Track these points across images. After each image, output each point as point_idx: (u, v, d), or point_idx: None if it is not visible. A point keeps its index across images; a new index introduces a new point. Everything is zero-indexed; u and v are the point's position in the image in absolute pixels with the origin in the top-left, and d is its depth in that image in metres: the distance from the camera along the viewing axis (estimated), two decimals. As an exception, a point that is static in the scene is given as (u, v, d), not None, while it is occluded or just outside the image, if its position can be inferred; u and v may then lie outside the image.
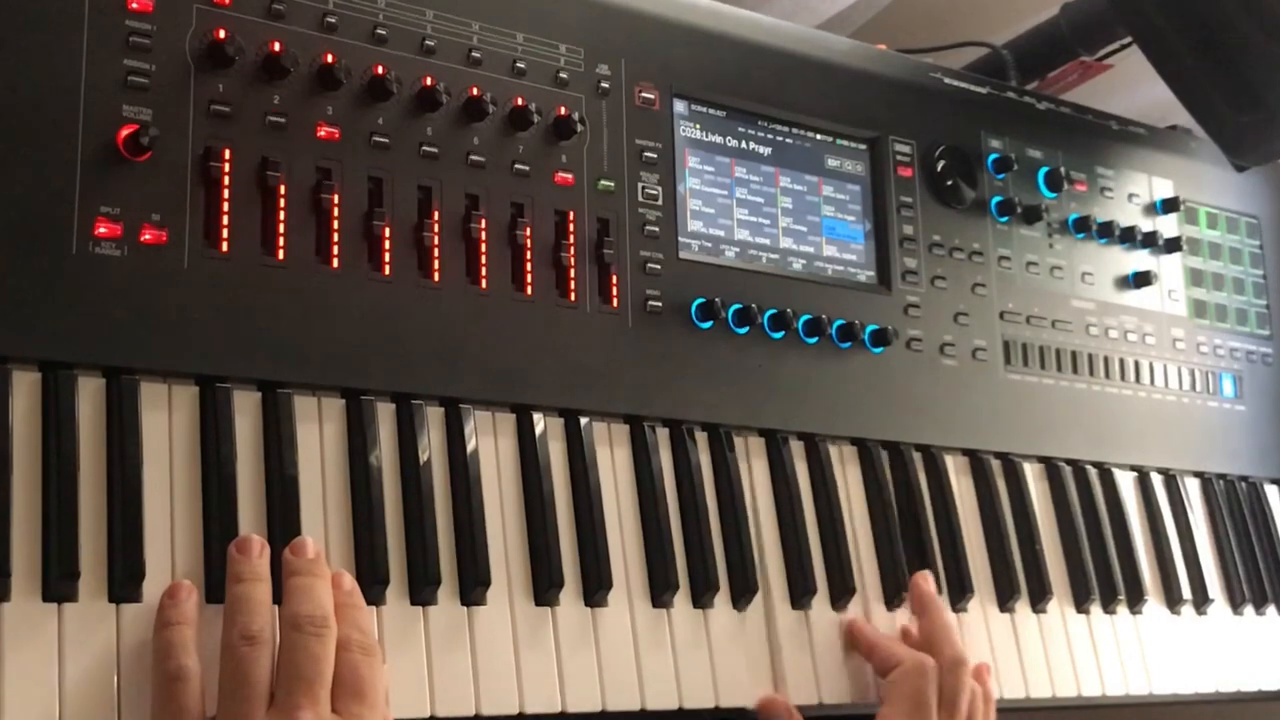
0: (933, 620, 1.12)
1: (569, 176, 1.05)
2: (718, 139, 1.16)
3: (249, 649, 0.79)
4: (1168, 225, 1.45)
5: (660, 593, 1.02)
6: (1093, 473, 1.32)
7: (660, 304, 1.08)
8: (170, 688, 0.78)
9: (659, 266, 1.09)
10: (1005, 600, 1.21)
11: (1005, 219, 1.32)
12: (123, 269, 0.85)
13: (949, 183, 1.28)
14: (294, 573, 0.84)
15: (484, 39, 1.03)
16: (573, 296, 1.04)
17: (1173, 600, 1.33)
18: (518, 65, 1.04)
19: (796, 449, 1.14)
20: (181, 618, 0.80)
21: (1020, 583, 1.22)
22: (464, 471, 0.96)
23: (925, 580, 1.15)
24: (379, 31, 0.98)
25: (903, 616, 1.14)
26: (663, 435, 1.07)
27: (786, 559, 1.10)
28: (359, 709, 0.80)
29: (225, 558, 0.83)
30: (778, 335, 1.13)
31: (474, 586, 0.93)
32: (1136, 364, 1.38)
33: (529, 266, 1.02)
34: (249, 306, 0.89)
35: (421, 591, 0.91)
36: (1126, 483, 1.35)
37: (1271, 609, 1.41)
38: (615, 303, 1.06)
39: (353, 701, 0.80)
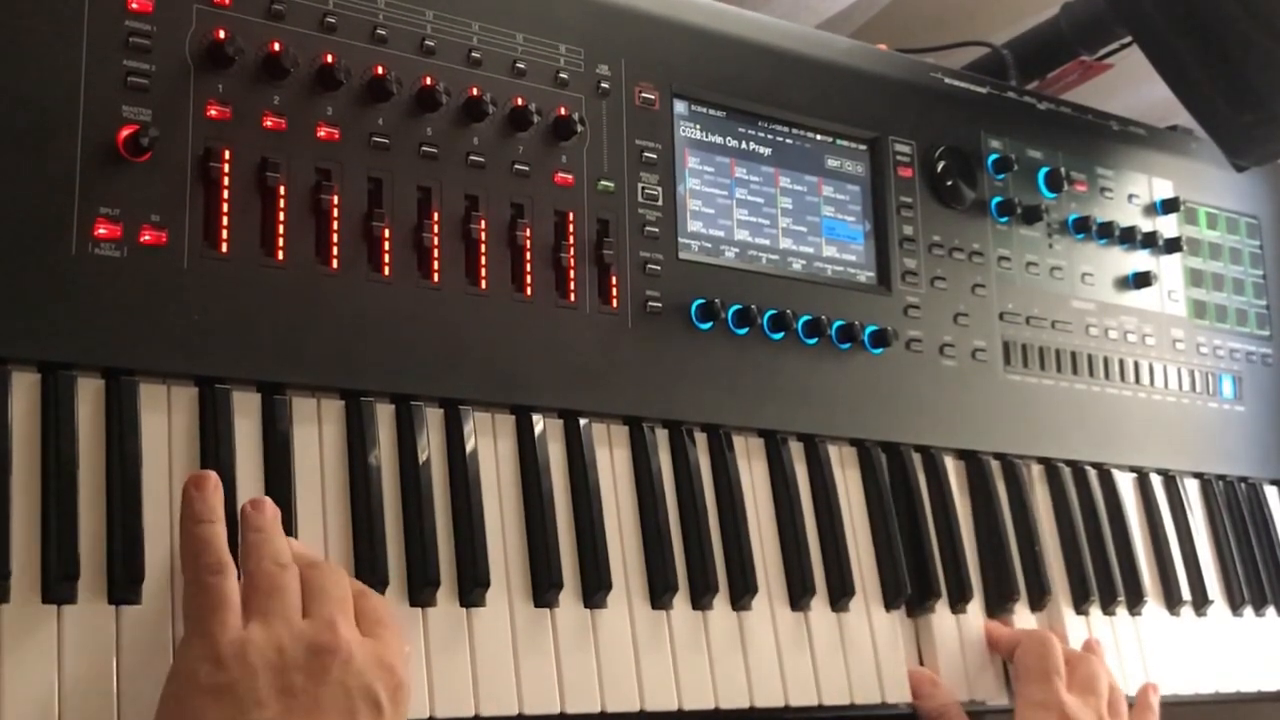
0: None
1: (569, 177, 1.05)
2: (718, 139, 1.16)
3: (217, 577, 0.78)
4: (1168, 226, 1.45)
5: (659, 594, 1.01)
6: (1092, 474, 1.32)
7: (660, 304, 1.08)
8: (212, 580, 0.78)
9: (659, 267, 1.09)
10: (1005, 601, 1.21)
11: (1005, 219, 1.32)
12: (122, 270, 0.85)
13: (949, 183, 1.28)
14: (255, 528, 0.83)
15: (484, 39, 1.03)
16: (572, 297, 1.04)
17: (1172, 601, 1.33)
18: (518, 65, 1.04)
19: (796, 450, 1.14)
20: (214, 515, 0.81)
21: (1020, 583, 1.22)
22: (463, 472, 0.96)
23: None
24: (379, 31, 0.98)
25: (903, 619, 1.14)
26: (662, 436, 1.07)
27: (786, 560, 1.10)
28: (382, 631, 0.81)
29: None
30: (777, 336, 1.13)
31: (473, 588, 0.93)
32: (1136, 365, 1.38)
33: (529, 267, 1.02)
34: (249, 307, 0.89)
35: (420, 593, 0.91)
36: (1126, 484, 1.35)
37: (1271, 610, 1.41)
38: (615, 303, 1.06)
39: (376, 626, 0.81)
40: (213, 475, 0.83)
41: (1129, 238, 1.40)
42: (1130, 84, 1.67)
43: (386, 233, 0.95)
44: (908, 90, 1.28)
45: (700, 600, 1.03)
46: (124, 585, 0.81)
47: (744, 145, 1.17)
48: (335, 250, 0.93)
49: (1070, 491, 1.30)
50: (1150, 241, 1.42)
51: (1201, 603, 1.35)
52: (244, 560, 0.81)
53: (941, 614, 1.17)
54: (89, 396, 0.84)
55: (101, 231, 0.84)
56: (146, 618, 0.81)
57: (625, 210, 1.08)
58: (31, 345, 0.82)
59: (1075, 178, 1.38)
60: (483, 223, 1.00)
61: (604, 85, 1.08)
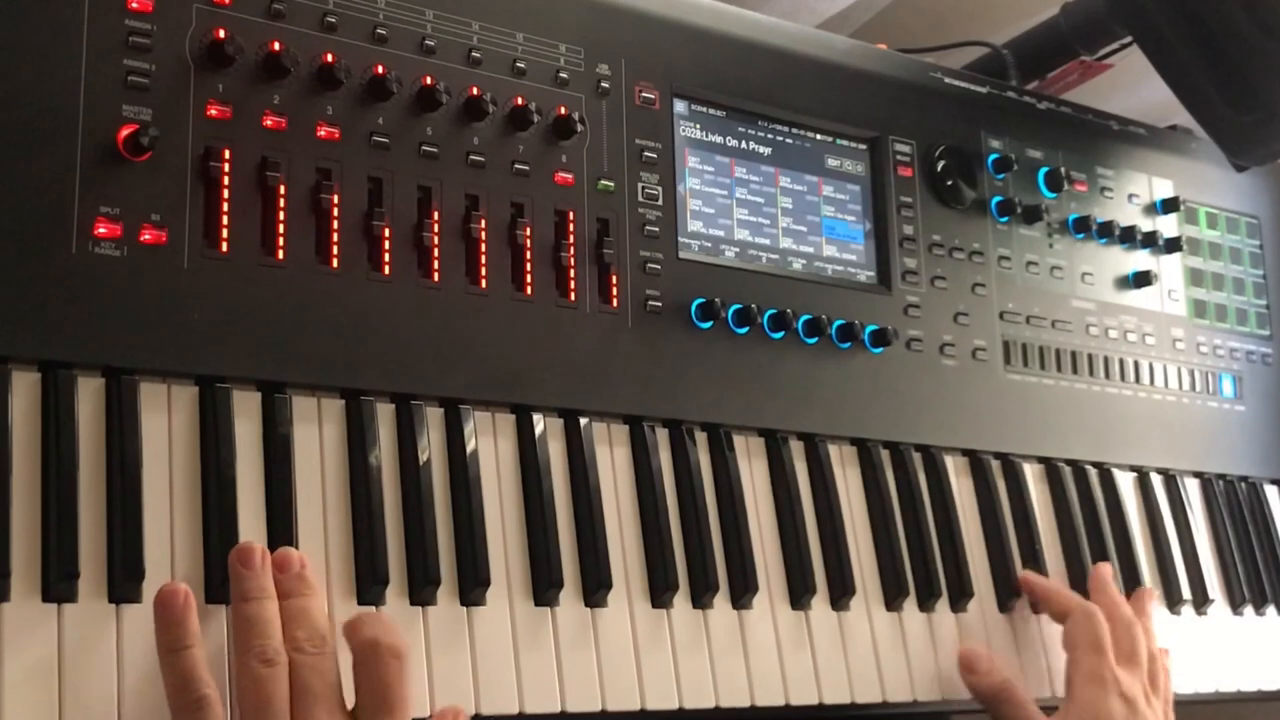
0: (1102, 593, 1.21)
1: (569, 176, 1.05)
2: (718, 139, 1.16)
3: (267, 670, 0.78)
4: (1168, 225, 1.45)
5: (660, 593, 1.02)
6: (1092, 473, 1.32)
7: (660, 304, 1.08)
8: (195, 718, 0.77)
9: (659, 266, 1.09)
10: (1005, 601, 1.21)
11: (1005, 219, 1.32)
12: (123, 269, 0.85)
13: (949, 183, 1.28)
14: (285, 594, 0.83)
15: (484, 39, 1.03)
16: (572, 296, 1.04)
17: (1172, 600, 1.33)
18: (518, 65, 1.04)
19: (796, 449, 1.14)
20: (190, 639, 0.79)
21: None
22: (464, 472, 0.96)
23: (1105, 568, 1.25)
24: (379, 31, 0.98)
25: (905, 618, 1.14)
26: (662, 435, 1.07)
27: (786, 559, 1.10)
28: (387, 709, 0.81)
29: (225, 558, 0.83)
30: (777, 335, 1.13)
31: (473, 587, 0.93)
32: (1136, 364, 1.38)
33: (529, 266, 1.02)
34: (249, 306, 0.89)
35: (421, 591, 0.91)
36: (1126, 483, 1.36)
37: (1271, 609, 1.41)
38: (615, 303, 1.06)
39: (381, 713, 0.80)
40: (181, 591, 0.80)
41: (1129, 237, 1.40)
42: (1130, 84, 1.67)
43: (386, 232, 0.95)
44: (908, 90, 1.28)
45: (700, 599, 1.03)
46: (124, 584, 0.81)
47: (744, 145, 1.18)
48: (335, 250, 0.93)
49: (1070, 491, 1.30)
50: (1150, 241, 1.42)
51: (1202, 602, 1.35)
52: (236, 650, 0.81)
53: (942, 613, 1.17)
54: (89, 396, 0.84)
55: (101, 231, 0.84)
56: (147, 616, 0.80)
57: (625, 210, 1.08)
58: (32, 344, 0.82)
59: (1075, 177, 1.38)
60: (483, 222, 1.00)
61: (604, 85, 1.08)
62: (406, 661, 0.82)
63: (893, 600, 1.14)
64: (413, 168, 0.98)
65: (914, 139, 1.27)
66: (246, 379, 0.90)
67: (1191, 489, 1.41)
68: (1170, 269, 1.44)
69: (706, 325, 1.09)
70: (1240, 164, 1.40)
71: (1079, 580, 1.26)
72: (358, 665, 0.82)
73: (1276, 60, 1.28)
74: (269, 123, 0.92)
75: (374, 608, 0.89)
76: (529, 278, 1.02)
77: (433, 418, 0.97)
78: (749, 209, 1.16)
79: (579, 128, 1.05)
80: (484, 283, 1.00)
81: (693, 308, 1.09)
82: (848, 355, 1.17)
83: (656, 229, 1.09)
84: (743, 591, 1.05)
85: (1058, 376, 1.31)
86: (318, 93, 0.95)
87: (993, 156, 1.31)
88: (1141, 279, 1.40)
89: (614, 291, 1.06)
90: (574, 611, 0.98)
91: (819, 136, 1.22)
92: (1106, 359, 1.36)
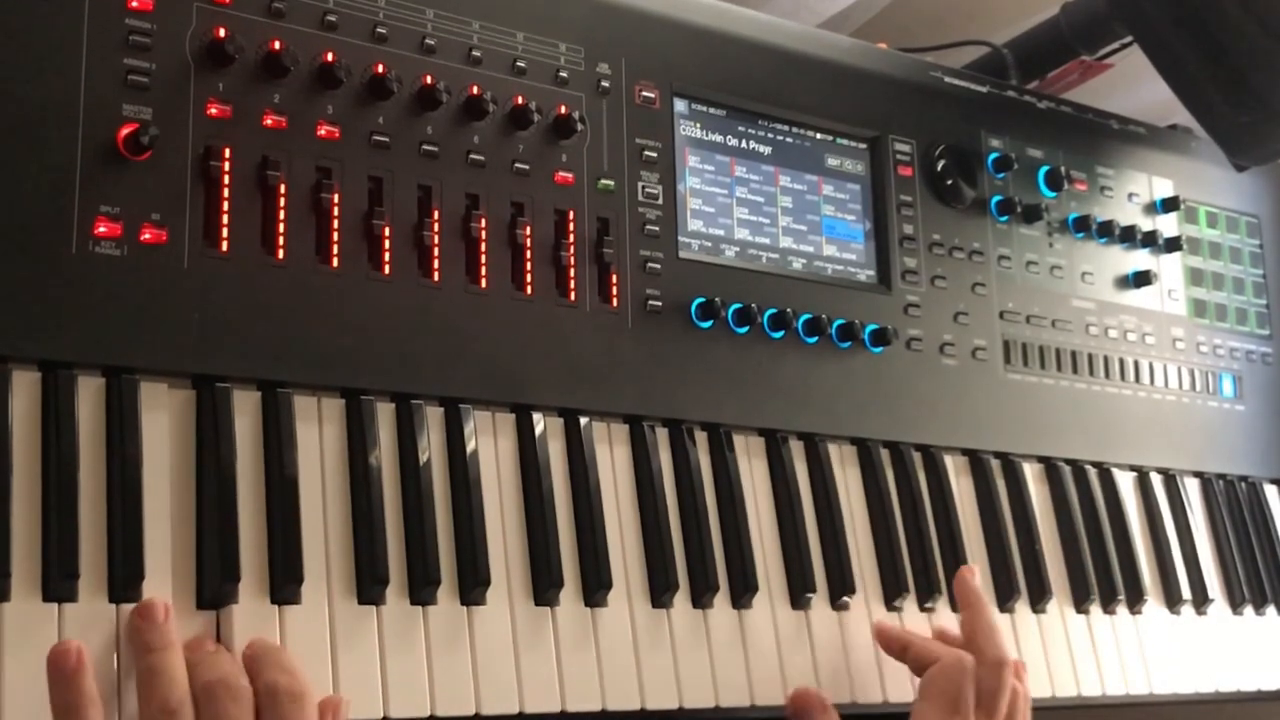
0: (977, 616, 1.09)
1: (569, 176, 1.05)
2: (718, 138, 1.16)
3: None
4: (1168, 225, 1.45)
5: (660, 593, 1.01)
6: (1092, 473, 1.32)
7: (660, 304, 1.08)
8: None
9: (659, 266, 1.08)
10: (1005, 600, 1.21)
11: (1005, 218, 1.32)
12: (122, 269, 0.85)
13: (949, 182, 1.28)
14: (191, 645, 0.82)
15: (484, 38, 1.03)
16: (572, 296, 1.04)
17: (1172, 600, 1.33)
18: (518, 64, 1.04)
19: (796, 449, 1.14)
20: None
21: (1020, 583, 1.22)
22: (464, 471, 0.96)
23: (971, 574, 1.13)
24: (379, 30, 0.98)
25: (905, 617, 1.14)
26: (662, 435, 1.07)
27: (786, 559, 1.10)
28: None
29: (225, 559, 0.83)
30: (778, 335, 1.13)
31: (474, 586, 0.93)
32: (1136, 364, 1.38)
33: (529, 266, 1.02)
34: (249, 306, 0.89)
35: (421, 591, 0.91)
36: (1126, 483, 1.35)
37: (1271, 609, 1.41)
38: (615, 302, 1.06)
39: None
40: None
41: (1129, 237, 1.40)
42: (1130, 84, 1.67)
43: (387, 231, 0.95)
44: (908, 89, 1.28)
45: (701, 599, 1.03)
46: (124, 584, 0.81)
47: (744, 144, 1.17)
48: (335, 249, 0.93)
49: (1070, 491, 1.29)
50: (1150, 240, 1.42)
51: (1202, 602, 1.35)
52: (140, 702, 0.78)
53: (942, 612, 1.17)
54: (89, 395, 0.84)
55: (102, 230, 0.84)
56: (147, 616, 0.80)
57: (625, 209, 1.08)
58: (32, 344, 0.82)
59: (1075, 177, 1.38)
60: (483, 221, 1.00)
61: (604, 84, 1.08)
62: (307, 700, 0.80)
63: (893, 600, 1.14)
64: (413, 167, 0.98)
65: (914, 138, 1.27)
66: (246, 379, 0.90)
67: (1191, 489, 1.41)
68: (1170, 268, 1.44)
69: (707, 325, 1.09)
70: (1240, 164, 1.40)
71: (1079, 581, 1.26)
72: (259, 707, 0.79)
73: (1276, 60, 1.28)
74: (269, 122, 0.92)
75: (375, 607, 0.89)
76: (529, 277, 1.02)
77: (433, 417, 0.97)
78: (749, 208, 1.16)
79: (579, 127, 1.05)
80: (484, 282, 1.00)
81: (693, 307, 1.09)
82: (848, 355, 1.17)
83: (656, 228, 1.09)
84: (743, 591, 1.05)
85: (1058, 376, 1.31)
86: (318, 92, 0.95)
87: (993, 156, 1.31)
88: (1141, 278, 1.40)
89: (614, 291, 1.06)
90: (574, 611, 0.98)
91: (819, 136, 1.22)
92: (1106, 359, 1.35)
